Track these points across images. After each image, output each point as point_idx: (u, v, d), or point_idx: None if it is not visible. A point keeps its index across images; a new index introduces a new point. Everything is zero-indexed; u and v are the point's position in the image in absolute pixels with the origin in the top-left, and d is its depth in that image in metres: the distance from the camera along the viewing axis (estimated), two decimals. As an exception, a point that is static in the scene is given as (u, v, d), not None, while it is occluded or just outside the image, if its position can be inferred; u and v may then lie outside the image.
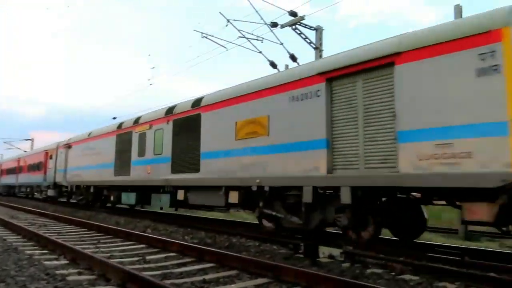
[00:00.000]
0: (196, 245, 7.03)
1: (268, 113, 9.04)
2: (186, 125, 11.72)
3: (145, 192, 13.83)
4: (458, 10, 10.74)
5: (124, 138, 15.18)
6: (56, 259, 6.39)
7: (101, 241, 8.54)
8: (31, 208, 17.01)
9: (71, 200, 21.34)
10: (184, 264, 6.14)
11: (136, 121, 14.64)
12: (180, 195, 11.66)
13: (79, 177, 19.02)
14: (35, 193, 27.17)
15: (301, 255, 6.82)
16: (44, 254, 6.82)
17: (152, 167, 13.07)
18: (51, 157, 22.96)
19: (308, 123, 8.11)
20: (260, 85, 9.49)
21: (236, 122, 9.85)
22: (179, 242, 7.37)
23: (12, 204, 20.30)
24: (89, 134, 18.84)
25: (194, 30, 14.38)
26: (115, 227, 9.89)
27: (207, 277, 5.20)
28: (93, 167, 17.56)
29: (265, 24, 14.06)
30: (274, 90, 9.01)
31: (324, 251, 6.77)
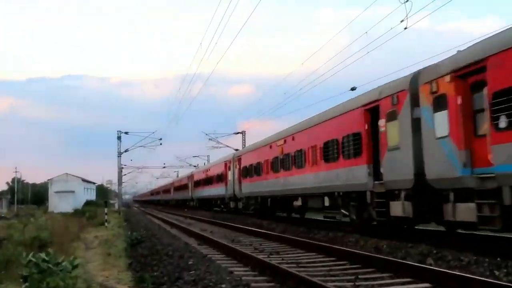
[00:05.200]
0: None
1: None
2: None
3: None
4: None
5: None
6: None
7: (360, 276, 6.07)
8: (249, 228, 14.11)
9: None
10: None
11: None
12: None
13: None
14: None
15: None
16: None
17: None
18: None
19: None
20: None
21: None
22: (483, 279, 4.09)
23: (227, 223, 17.02)
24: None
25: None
26: (377, 255, 7.25)
27: None
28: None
29: None
30: None
31: None
